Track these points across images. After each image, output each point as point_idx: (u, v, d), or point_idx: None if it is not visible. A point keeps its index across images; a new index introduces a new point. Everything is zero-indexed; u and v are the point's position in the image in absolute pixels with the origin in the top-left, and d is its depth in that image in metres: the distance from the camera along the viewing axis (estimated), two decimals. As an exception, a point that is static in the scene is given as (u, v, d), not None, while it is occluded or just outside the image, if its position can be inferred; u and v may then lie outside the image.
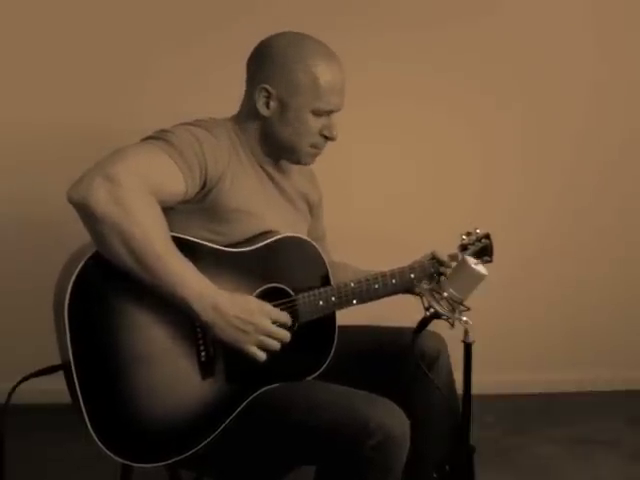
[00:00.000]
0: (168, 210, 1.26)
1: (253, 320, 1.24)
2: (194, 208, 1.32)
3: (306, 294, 1.40)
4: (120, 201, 1.13)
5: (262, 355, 1.27)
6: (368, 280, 1.49)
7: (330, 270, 1.48)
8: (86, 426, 1.16)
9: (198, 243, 1.28)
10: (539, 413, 2.50)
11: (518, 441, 2.27)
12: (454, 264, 1.58)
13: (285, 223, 1.45)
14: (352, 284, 1.46)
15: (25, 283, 2.38)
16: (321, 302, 1.41)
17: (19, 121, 2.38)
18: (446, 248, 1.64)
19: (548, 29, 2.46)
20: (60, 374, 1.22)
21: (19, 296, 2.39)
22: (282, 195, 1.51)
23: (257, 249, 1.35)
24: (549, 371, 2.65)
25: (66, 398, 1.22)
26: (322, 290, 1.42)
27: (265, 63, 1.41)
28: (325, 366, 1.44)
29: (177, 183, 1.25)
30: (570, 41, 2.47)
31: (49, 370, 1.25)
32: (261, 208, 1.40)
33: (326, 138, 1.44)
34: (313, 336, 1.42)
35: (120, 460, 1.21)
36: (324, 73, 1.39)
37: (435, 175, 2.50)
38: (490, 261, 1.67)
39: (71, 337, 1.15)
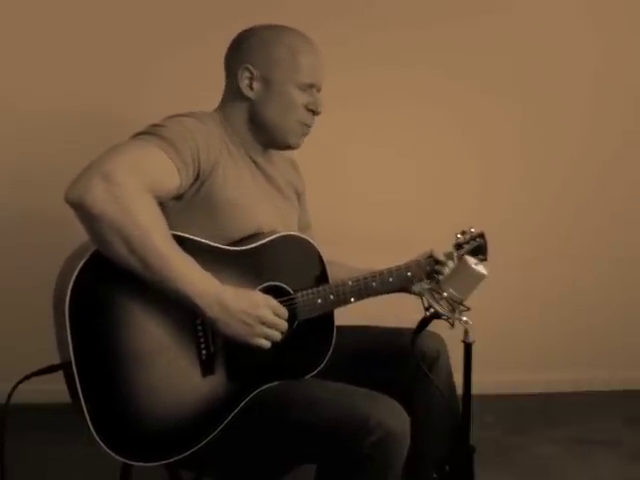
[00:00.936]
0: (166, 209, 1.26)
1: (258, 312, 1.25)
2: (189, 204, 1.32)
3: (304, 292, 1.40)
4: (118, 200, 1.13)
5: (267, 344, 1.27)
6: (366, 278, 1.50)
7: (328, 268, 1.48)
8: (86, 424, 1.16)
9: (197, 241, 1.28)
10: (539, 413, 2.50)
11: (518, 441, 2.27)
12: (451, 263, 1.58)
13: (277, 213, 1.46)
14: (350, 282, 1.47)
15: (25, 281, 2.38)
16: (319, 300, 1.42)
17: (19, 120, 2.39)
18: (445, 248, 1.65)
19: (548, 29, 2.46)
20: (60, 373, 1.22)
21: (19, 295, 2.39)
22: (271, 185, 1.52)
23: (255, 247, 1.35)
24: (549, 371, 2.65)
25: (66, 398, 1.21)
26: (320, 288, 1.42)
27: (243, 47, 1.45)
28: (324, 363, 1.45)
29: (172, 178, 1.25)
30: (570, 41, 2.47)
31: (49, 369, 1.25)
32: (253, 199, 1.41)
33: (312, 112, 1.46)
34: (312, 334, 1.43)
35: (120, 459, 1.21)
36: (302, 48, 1.44)
37: (434, 175, 2.51)
38: (484, 259, 1.68)
39: (72, 334, 1.14)
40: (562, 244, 2.58)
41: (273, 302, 1.29)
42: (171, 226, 1.22)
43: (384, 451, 1.22)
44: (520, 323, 2.57)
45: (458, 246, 1.64)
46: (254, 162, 1.48)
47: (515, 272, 2.45)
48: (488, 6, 2.44)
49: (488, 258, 1.70)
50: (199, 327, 1.26)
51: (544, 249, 2.59)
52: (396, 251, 1.63)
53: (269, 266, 1.38)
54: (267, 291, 1.35)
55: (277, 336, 1.29)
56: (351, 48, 2.31)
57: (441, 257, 1.61)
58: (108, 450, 1.18)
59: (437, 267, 1.59)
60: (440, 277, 1.56)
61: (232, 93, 1.45)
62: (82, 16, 2.33)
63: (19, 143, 2.41)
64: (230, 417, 1.30)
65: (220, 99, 1.50)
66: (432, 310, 1.23)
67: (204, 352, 1.27)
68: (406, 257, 1.63)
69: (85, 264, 1.16)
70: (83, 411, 1.16)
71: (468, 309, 1.24)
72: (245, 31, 1.48)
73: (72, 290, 1.14)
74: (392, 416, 1.25)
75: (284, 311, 1.31)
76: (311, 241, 1.46)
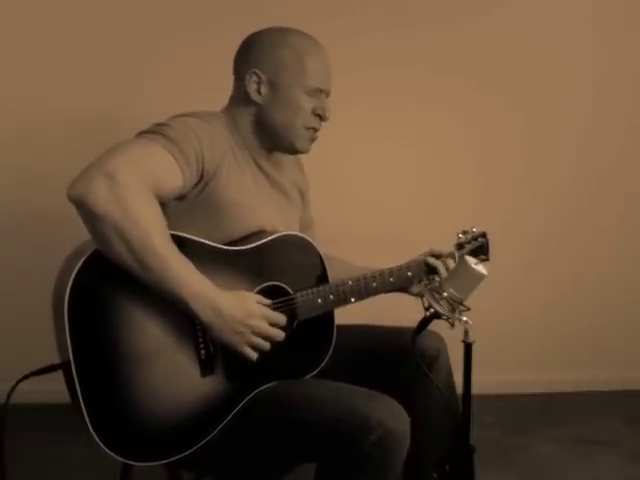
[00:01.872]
0: (167, 207, 1.26)
1: (251, 322, 1.25)
2: (191, 204, 1.32)
3: (304, 292, 1.40)
4: (120, 199, 1.13)
5: (254, 355, 1.27)
6: (366, 278, 1.49)
7: (328, 268, 1.48)
8: (85, 424, 1.16)
9: (197, 241, 1.28)
10: (539, 413, 2.50)
11: (518, 441, 2.27)
12: (450, 263, 1.58)
13: (280, 217, 1.46)
14: (350, 282, 1.47)
15: (25, 281, 2.38)
16: (319, 300, 1.41)
17: (20, 120, 2.39)
18: (446, 247, 1.64)
19: (549, 28, 2.46)
20: (59, 373, 1.22)
21: (19, 294, 2.39)
22: (275, 188, 1.51)
23: (255, 247, 1.35)
24: (549, 371, 2.65)
25: (66, 398, 1.21)
26: (320, 288, 1.42)
27: (252, 51, 1.44)
28: (324, 363, 1.44)
29: (175, 178, 1.25)
30: (572, 40, 2.47)
31: (49, 369, 1.25)
32: (256, 202, 1.40)
33: (320, 117, 1.45)
34: (312, 334, 1.43)
35: (119, 459, 1.21)
36: (310, 52, 1.43)
37: (435, 174, 2.50)
38: (486, 259, 1.68)
39: (70, 334, 1.14)
40: (563, 244, 2.58)
41: (267, 311, 1.29)
42: (171, 226, 1.23)
43: (384, 451, 1.22)
44: (520, 323, 2.57)
45: (460, 246, 1.64)
46: (258, 165, 1.47)
47: (515, 272, 2.45)
48: (490, 5, 2.44)
49: (489, 258, 1.70)
50: (198, 327, 1.26)
51: (545, 249, 2.59)
52: (397, 251, 1.63)
53: (269, 266, 1.37)
54: (266, 291, 1.35)
55: (267, 346, 1.29)
56: (351, 48, 2.31)
57: (442, 251, 1.60)
58: (107, 450, 1.18)
59: (430, 259, 1.58)
60: (440, 277, 1.56)
61: (240, 96, 1.45)
62: (82, 18, 2.33)
63: (20, 144, 2.40)
64: (230, 417, 1.30)
65: (227, 99, 1.49)
66: (432, 310, 1.23)
67: (203, 352, 1.27)
68: (407, 257, 1.62)
69: (84, 263, 1.16)
70: (82, 411, 1.15)
71: (468, 309, 1.24)
72: (253, 34, 1.47)
73: (71, 289, 1.14)
74: (392, 416, 1.25)
75: (281, 319, 1.31)
76: (311, 241, 1.46)
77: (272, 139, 1.46)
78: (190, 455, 1.26)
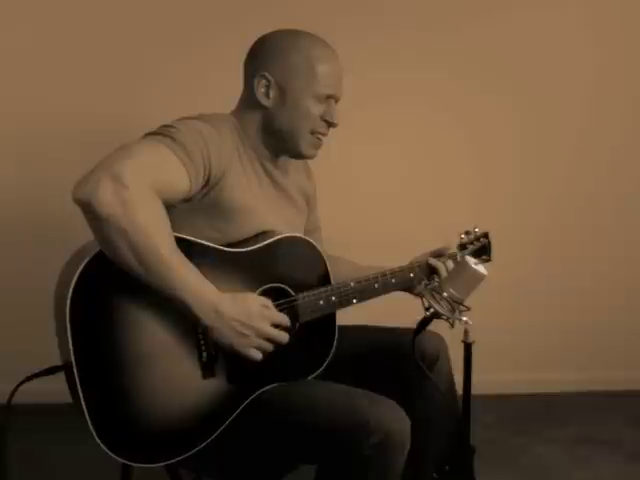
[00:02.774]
0: (171, 208, 1.26)
1: (253, 324, 1.25)
2: (196, 206, 1.32)
3: (306, 294, 1.40)
4: (125, 202, 1.12)
5: (259, 357, 1.27)
6: (368, 280, 1.50)
7: (330, 269, 1.48)
8: (87, 425, 1.16)
9: (199, 243, 1.28)
10: (539, 413, 2.50)
11: (518, 441, 2.28)
12: (450, 263, 1.58)
13: (284, 221, 1.45)
14: (352, 283, 1.47)
15: (26, 282, 2.38)
16: (321, 302, 1.41)
17: (20, 118, 2.39)
18: (445, 244, 1.64)
19: (546, 30, 2.47)
20: (61, 374, 1.22)
21: (20, 296, 2.39)
22: (280, 193, 1.51)
23: (258, 249, 1.35)
24: (549, 371, 2.65)
25: (67, 398, 1.22)
26: (322, 290, 1.42)
27: (262, 54, 1.43)
28: (325, 365, 1.44)
29: (182, 181, 1.24)
30: (568, 42, 2.48)
31: (51, 370, 1.25)
32: (260, 207, 1.40)
33: (327, 123, 1.44)
34: (314, 336, 1.42)
35: (120, 460, 1.21)
36: (321, 58, 1.41)
37: (434, 175, 2.51)
38: (489, 260, 1.68)
39: (72, 335, 1.14)
40: (563, 244, 2.58)
41: (269, 312, 1.28)
42: (174, 226, 1.23)
43: (384, 452, 1.22)
44: (520, 323, 2.57)
45: (462, 246, 1.64)
46: (265, 169, 1.47)
47: (515, 272, 2.45)
48: (488, 9, 2.44)
49: (491, 259, 1.70)
50: (200, 329, 1.26)
51: (545, 249, 2.59)
52: (397, 251, 1.63)
53: (271, 267, 1.37)
54: (269, 292, 1.35)
55: (270, 348, 1.29)
56: (352, 49, 2.31)
57: (444, 252, 1.61)
58: (108, 451, 1.18)
59: (436, 263, 1.58)
60: (440, 277, 1.56)
61: (248, 99, 1.44)
62: (84, 23, 2.34)
63: (22, 146, 2.41)
64: (230, 419, 1.30)
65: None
66: (432, 310, 1.23)
67: (204, 354, 1.27)
68: (408, 257, 1.63)
69: (87, 265, 1.16)
70: (84, 412, 1.16)
71: (468, 309, 1.24)
72: (264, 36, 1.46)
73: (74, 290, 1.14)
74: (392, 417, 1.25)
75: (284, 319, 1.31)
76: (313, 243, 1.46)
77: (279, 143, 1.45)
78: (191, 456, 1.26)
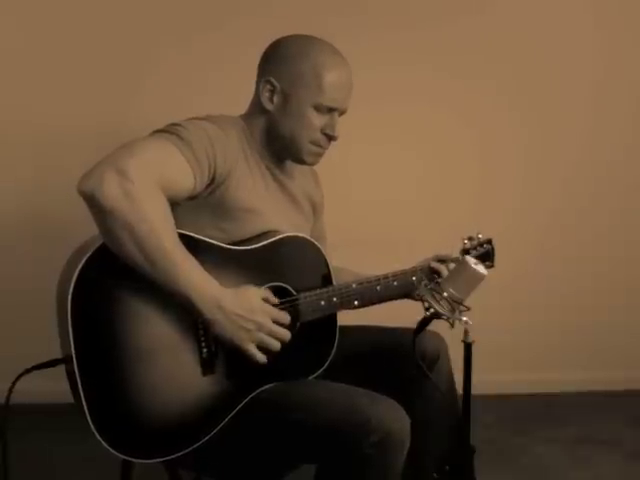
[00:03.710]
0: (175, 206, 1.26)
1: (255, 318, 1.25)
2: (201, 204, 1.32)
3: (308, 293, 1.40)
4: (130, 196, 1.13)
5: (262, 356, 1.28)
6: (370, 282, 1.50)
7: (332, 270, 1.48)
8: (86, 420, 1.16)
9: (203, 240, 1.28)
10: (539, 413, 2.50)
11: (518, 441, 2.28)
12: (452, 265, 1.58)
13: (289, 225, 1.45)
14: (354, 285, 1.47)
15: (26, 280, 2.38)
16: (323, 302, 1.42)
17: (20, 119, 2.39)
18: (447, 250, 1.64)
19: (549, 29, 2.46)
20: (61, 373, 1.22)
21: (20, 295, 2.39)
22: (287, 197, 1.52)
23: (260, 247, 1.35)
24: (549, 371, 2.65)
25: (67, 398, 1.22)
26: (324, 290, 1.42)
27: (272, 58, 1.44)
28: (326, 365, 1.45)
29: (187, 179, 1.25)
30: (571, 41, 2.48)
31: (51, 363, 1.26)
32: (266, 209, 1.41)
33: (327, 137, 1.44)
34: (314, 335, 1.43)
35: (120, 455, 1.21)
36: (329, 69, 1.40)
37: (435, 176, 2.51)
38: (492, 266, 1.68)
39: (73, 329, 1.15)
40: (563, 244, 2.58)
41: (270, 308, 1.29)
42: (178, 224, 1.23)
43: (384, 451, 1.22)
44: (521, 323, 2.57)
45: (465, 252, 1.63)
46: (270, 172, 1.47)
47: (516, 272, 2.45)
48: (489, 6, 2.44)
49: (495, 265, 1.70)
50: (200, 326, 1.26)
51: (545, 249, 2.59)
52: (398, 252, 1.63)
53: (273, 266, 1.38)
54: (270, 291, 1.35)
55: (276, 345, 1.29)
56: (352, 48, 2.31)
57: (447, 257, 1.60)
58: (107, 446, 1.18)
59: (438, 266, 1.58)
60: (440, 277, 1.56)
61: (256, 102, 1.45)
62: (84, 16, 2.34)
63: (19, 147, 2.41)
64: (230, 416, 1.30)
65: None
66: (432, 310, 1.23)
67: (205, 350, 1.27)
68: (408, 258, 1.62)
69: (89, 259, 1.16)
70: (83, 407, 1.16)
71: (468, 309, 1.24)
72: (277, 40, 1.46)
73: (75, 284, 1.15)
74: (392, 416, 1.25)
75: (284, 317, 1.32)
76: (316, 243, 1.46)
77: (281, 148, 1.46)
78: (190, 454, 1.26)
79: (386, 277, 1.52)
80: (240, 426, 1.30)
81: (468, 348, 1.25)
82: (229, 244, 1.33)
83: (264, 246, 1.36)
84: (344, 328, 1.49)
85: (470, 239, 1.65)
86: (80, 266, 1.15)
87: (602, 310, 2.60)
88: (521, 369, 2.62)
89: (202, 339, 1.27)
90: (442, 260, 1.60)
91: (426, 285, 1.25)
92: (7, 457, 1.26)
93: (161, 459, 1.25)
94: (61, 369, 1.23)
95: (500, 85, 2.48)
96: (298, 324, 1.38)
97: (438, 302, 1.22)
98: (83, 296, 1.16)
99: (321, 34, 1.47)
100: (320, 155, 1.48)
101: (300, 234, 1.45)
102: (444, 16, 2.42)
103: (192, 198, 1.30)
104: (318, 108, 1.41)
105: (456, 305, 1.22)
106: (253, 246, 1.35)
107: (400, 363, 1.49)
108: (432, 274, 1.58)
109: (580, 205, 2.59)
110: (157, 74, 2.37)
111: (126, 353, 1.20)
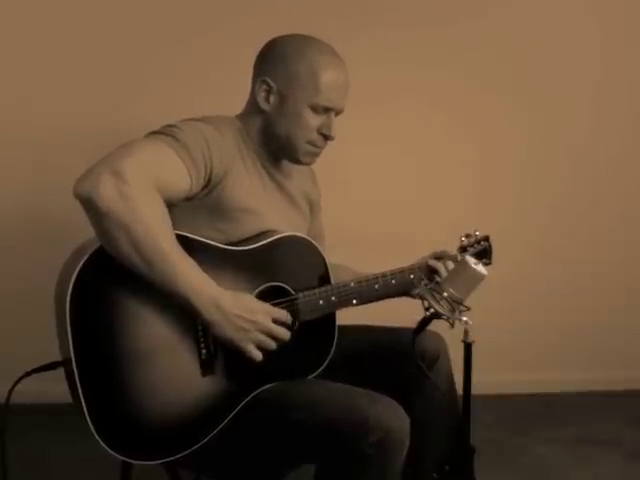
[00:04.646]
0: (172, 207, 1.26)
1: (254, 318, 1.25)
2: (197, 205, 1.32)
3: (306, 293, 1.40)
4: (126, 197, 1.13)
5: (258, 354, 1.28)
6: (368, 280, 1.50)
7: (330, 269, 1.48)
8: (86, 422, 1.16)
9: (200, 241, 1.28)
10: (539, 413, 2.50)
11: (518, 441, 2.28)
12: (450, 263, 1.58)
13: (287, 224, 1.45)
14: (352, 284, 1.47)
15: (25, 280, 2.38)
16: (321, 301, 1.42)
17: (20, 119, 2.39)
18: (447, 249, 1.64)
19: (549, 29, 2.46)
20: (60, 373, 1.22)
21: (19, 296, 2.39)
22: (284, 196, 1.51)
23: (258, 247, 1.35)
24: (549, 371, 2.65)
25: (66, 398, 1.22)
26: (322, 289, 1.42)
27: (268, 58, 1.43)
28: (325, 365, 1.45)
29: (183, 180, 1.25)
30: (571, 41, 2.48)
31: (50, 366, 1.26)
32: (263, 208, 1.41)
33: (324, 137, 1.44)
34: (313, 335, 1.42)
35: (119, 457, 1.21)
36: (325, 69, 1.40)
37: (435, 176, 2.51)
38: (489, 263, 1.68)
39: (72, 331, 1.15)
40: (563, 244, 2.58)
41: (270, 308, 1.29)
42: (176, 225, 1.23)
43: (384, 451, 1.22)
44: (521, 323, 2.57)
45: (462, 249, 1.64)
46: (267, 171, 1.47)
47: (516, 272, 2.45)
48: (489, 6, 2.44)
49: (492, 262, 1.70)
50: (199, 326, 1.26)
51: (545, 249, 2.59)
52: (398, 252, 1.63)
53: (271, 266, 1.38)
54: (268, 291, 1.35)
55: (273, 345, 1.29)
56: (351, 48, 2.31)
57: (445, 254, 1.60)
58: (107, 448, 1.18)
59: (436, 264, 1.58)
60: (440, 277, 1.56)
61: (253, 102, 1.44)
62: (83, 16, 2.34)
63: (18, 149, 2.41)
64: (230, 417, 1.30)
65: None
66: (432, 310, 1.23)
67: (204, 351, 1.27)
68: (408, 257, 1.62)
69: (87, 261, 1.16)
70: (83, 409, 1.16)
71: (468, 309, 1.24)
72: (273, 40, 1.46)
73: (74, 286, 1.15)
74: (392, 416, 1.25)
75: (285, 316, 1.32)
76: (314, 242, 1.46)
77: (278, 148, 1.45)
78: (190, 455, 1.26)
79: (384, 276, 1.52)
80: (240, 426, 1.30)
81: (468, 348, 1.25)
82: (227, 244, 1.32)
83: (262, 246, 1.36)
84: (343, 328, 1.49)
85: (467, 236, 1.66)
86: (78, 268, 1.15)
87: (602, 310, 2.60)
88: (521, 369, 2.62)
89: (201, 340, 1.27)
90: (439, 257, 1.60)
91: (426, 285, 1.25)
92: (6, 457, 1.25)
93: (161, 460, 1.25)
94: (60, 370, 1.23)
95: (500, 85, 2.48)
96: (297, 323, 1.38)
97: (438, 302, 1.22)
98: (82, 298, 1.15)
99: (320, 34, 1.46)
100: (316, 155, 1.48)
101: (298, 234, 1.45)
102: (444, 16, 2.42)
103: (189, 199, 1.30)
104: (314, 108, 1.40)
105: (456, 305, 1.22)
106: (251, 246, 1.34)
107: (400, 363, 1.49)
108: (430, 272, 1.58)
109: (580, 206, 2.59)
110: (157, 74, 2.37)
111: (125, 354, 1.19)
